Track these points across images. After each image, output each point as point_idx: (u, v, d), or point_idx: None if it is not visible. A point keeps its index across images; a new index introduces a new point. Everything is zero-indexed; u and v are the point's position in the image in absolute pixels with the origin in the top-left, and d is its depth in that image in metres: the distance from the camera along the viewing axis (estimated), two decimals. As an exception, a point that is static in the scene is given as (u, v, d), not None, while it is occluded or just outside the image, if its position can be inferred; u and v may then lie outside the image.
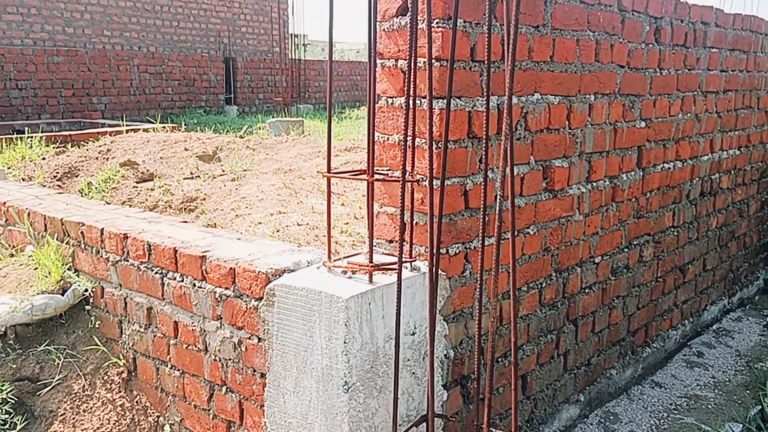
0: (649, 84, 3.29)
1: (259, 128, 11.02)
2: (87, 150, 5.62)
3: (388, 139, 2.34)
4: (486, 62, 2.00)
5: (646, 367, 3.72)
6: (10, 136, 7.33)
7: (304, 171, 4.98)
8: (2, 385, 2.60)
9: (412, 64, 2.04)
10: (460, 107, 2.27)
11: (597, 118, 2.96)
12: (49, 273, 2.90)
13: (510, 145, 1.97)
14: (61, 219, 3.00)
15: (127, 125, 8.91)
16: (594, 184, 3.02)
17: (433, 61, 2.15)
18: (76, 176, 5.32)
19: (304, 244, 3.32)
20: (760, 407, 3.45)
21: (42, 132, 9.80)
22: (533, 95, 2.57)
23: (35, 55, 11.02)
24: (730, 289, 4.73)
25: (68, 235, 2.99)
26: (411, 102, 2.14)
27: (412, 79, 2.08)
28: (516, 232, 2.59)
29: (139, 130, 7.29)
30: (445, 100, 2.16)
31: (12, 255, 3.30)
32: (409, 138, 2.21)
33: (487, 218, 2.22)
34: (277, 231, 3.49)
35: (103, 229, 2.78)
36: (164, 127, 7.53)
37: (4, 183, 3.94)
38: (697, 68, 3.71)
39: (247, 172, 4.95)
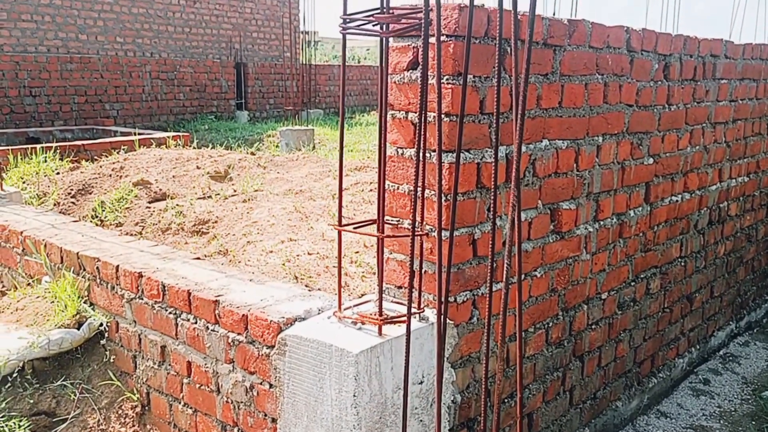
0: (658, 120, 3.32)
1: (269, 136, 11.10)
2: (101, 167, 5.69)
3: (398, 188, 2.38)
4: (495, 115, 2.03)
5: (652, 396, 3.75)
6: (25, 147, 7.42)
7: (315, 192, 5.02)
8: (20, 421, 2.66)
9: (423, 120, 2.08)
10: (469, 160, 2.31)
11: (605, 159, 2.99)
12: (66, 307, 2.96)
13: (517, 193, 2.02)
14: (77, 253, 3.07)
15: (139, 133, 9.00)
16: (601, 222, 3.05)
17: (443, 116, 2.19)
18: (90, 193, 5.40)
19: (314, 276, 3.37)
20: (765, 440, 3.47)
21: (55, 139, 9.92)
22: (541, 142, 2.61)
23: (49, 62, 11.13)
24: (737, 314, 4.75)
25: (84, 269, 3.06)
26: (421, 156, 2.18)
27: (422, 134, 2.12)
28: (523, 276, 2.63)
29: (151, 144, 7.37)
30: (454, 154, 2.21)
31: (29, 284, 3.37)
32: (419, 189, 2.26)
33: (495, 264, 2.26)
34: (288, 261, 3.54)
35: (118, 266, 2.84)
36: (176, 142, 7.59)
37: (21, 210, 4.01)
38: (706, 100, 3.73)
39: (258, 193, 5.00)
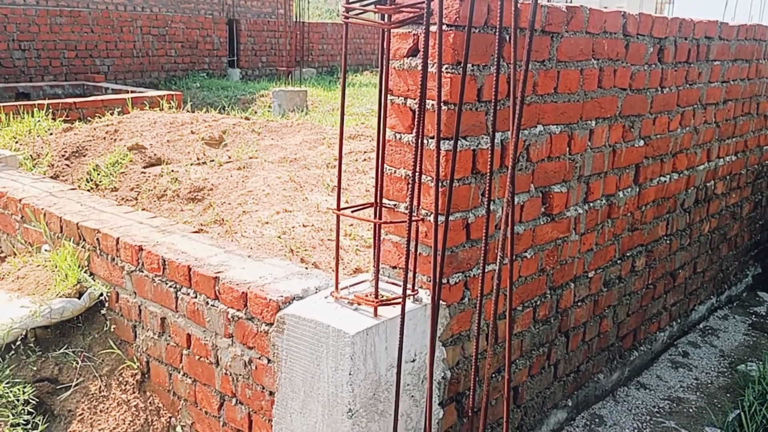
0: (650, 103, 3.38)
1: (262, 96, 11.04)
2: (95, 129, 5.69)
3: (395, 172, 2.44)
4: (493, 104, 2.09)
5: (632, 369, 3.89)
6: (16, 104, 7.36)
7: (309, 160, 5.07)
8: (24, 387, 2.76)
9: (422, 108, 2.13)
10: (466, 147, 2.37)
11: (597, 142, 3.05)
12: (66, 276, 3.03)
13: (512, 178, 2.08)
14: (77, 223, 3.12)
15: (131, 91, 8.93)
16: (591, 204, 3.13)
17: (442, 105, 2.23)
18: (84, 156, 5.41)
19: (310, 249, 3.45)
20: (738, 412, 3.63)
21: (46, 95, 9.83)
22: (536, 127, 2.66)
23: (38, 15, 10.93)
24: (718, 288, 4.89)
25: (84, 240, 3.12)
26: (420, 142, 2.24)
27: (421, 121, 2.17)
28: (514, 257, 2.72)
29: (144, 104, 7.34)
30: (452, 141, 2.26)
31: (29, 252, 3.43)
32: (417, 175, 2.32)
33: (487, 247, 2.34)
34: (284, 233, 3.61)
35: (118, 239, 2.90)
36: (169, 103, 7.55)
37: (18, 176, 4.04)
38: (699, 82, 3.78)
39: (253, 161, 5.04)
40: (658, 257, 3.89)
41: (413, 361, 2.35)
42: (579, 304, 3.26)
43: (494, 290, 2.09)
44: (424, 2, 2.09)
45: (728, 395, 3.85)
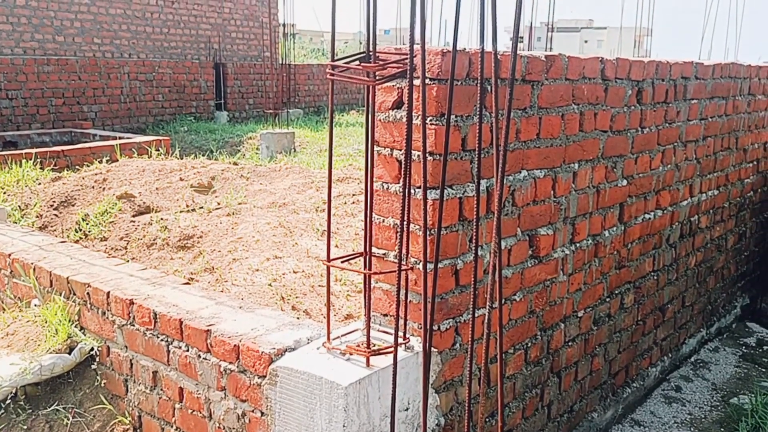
0: (631, 144, 3.45)
1: (250, 138, 11.12)
2: (83, 178, 5.71)
3: (383, 221, 2.48)
4: (477, 152, 2.13)
5: (626, 406, 3.90)
6: (4, 153, 7.38)
7: (298, 204, 5.10)
8: (14, 446, 2.73)
9: (408, 159, 2.18)
10: (452, 195, 2.41)
11: (581, 184, 3.11)
12: (56, 332, 3.02)
13: (498, 223, 2.12)
14: (67, 277, 3.12)
15: (119, 137, 8.98)
16: (577, 244, 3.18)
17: (428, 155, 2.28)
18: (73, 205, 5.42)
19: (301, 296, 3.46)
20: (733, 447, 3.64)
21: (33, 143, 9.85)
22: (520, 173, 2.72)
23: (25, 64, 11.03)
24: (708, 321, 4.93)
25: (74, 294, 3.12)
26: (407, 192, 2.28)
27: (408, 172, 2.22)
28: (504, 301, 2.75)
29: (132, 150, 7.38)
30: (438, 191, 2.31)
31: (19, 308, 3.41)
32: (405, 224, 2.35)
33: (476, 292, 2.37)
34: (275, 280, 3.62)
35: (109, 292, 2.91)
36: (158, 150, 7.60)
37: (6, 229, 4.04)
38: (678, 121, 3.87)
39: (242, 206, 5.07)
40: (646, 293, 3.93)
41: (407, 409, 2.35)
42: (570, 343, 3.28)
43: (485, 335, 2.12)
44: (407, 58, 2.16)
45: (722, 429, 3.85)
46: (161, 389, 2.79)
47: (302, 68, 16.15)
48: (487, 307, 2.08)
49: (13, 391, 2.87)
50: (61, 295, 3.17)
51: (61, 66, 11.46)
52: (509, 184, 2.66)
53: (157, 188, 5.48)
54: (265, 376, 2.34)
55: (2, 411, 2.84)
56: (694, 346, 4.76)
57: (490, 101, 2.48)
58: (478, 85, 2.02)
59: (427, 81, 2.25)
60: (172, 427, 2.78)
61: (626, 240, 3.60)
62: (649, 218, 3.79)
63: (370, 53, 2.17)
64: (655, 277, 4.01)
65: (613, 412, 3.76)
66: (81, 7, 12.34)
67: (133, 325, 2.83)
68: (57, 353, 2.96)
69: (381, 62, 2.14)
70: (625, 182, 3.46)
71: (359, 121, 13.54)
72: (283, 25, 13.90)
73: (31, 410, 2.89)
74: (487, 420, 2.81)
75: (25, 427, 2.83)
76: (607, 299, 3.54)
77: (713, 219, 4.65)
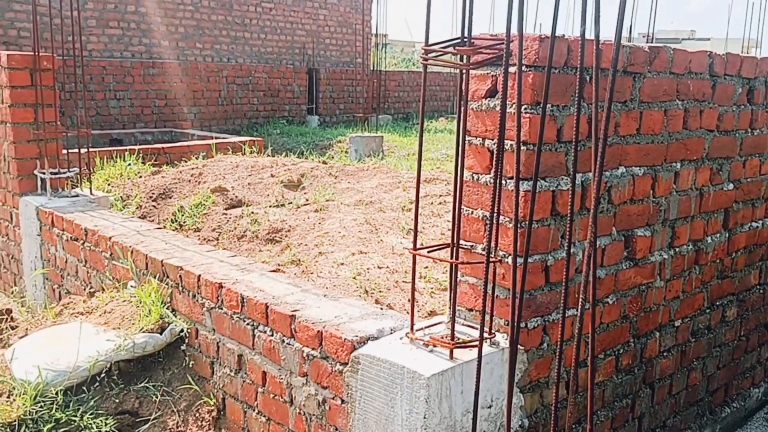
0: (740, 145, 3.24)
1: (339, 141, 11.28)
2: (180, 172, 5.94)
3: (472, 212, 2.42)
4: (574, 144, 2.05)
5: (724, 427, 3.65)
6: (110, 149, 7.78)
7: (385, 203, 5.10)
8: (107, 419, 2.83)
9: (501, 148, 2.11)
10: (545, 188, 2.33)
11: (683, 185, 2.94)
12: (150, 312, 3.13)
13: (594, 219, 2.02)
14: (162, 260, 3.23)
15: (215, 137, 9.32)
16: (677, 249, 3.00)
17: (521, 145, 2.21)
18: (170, 198, 5.64)
19: (384, 291, 3.44)
20: None
21: (136, 141, 10.37)
22: (618, 169, 2.60)
23: (133, 67, 11.65)
24: (819, 344, 4.56)
25: (167, 276, 3.22)
26: (498, 183, 2.22)
27: (500, 162, 2.15)
28: (596, 302, 2.62)
29: (227, 149, 7.63)
30: (530, 182, 2.23)
31: (116, 288, 3.57)
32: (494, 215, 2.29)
33: (568, 291, 2.27)
34: (359, 274, 3.62)
35: (200, 276, 2.99)
36: (251, 148, 7.83)
37: (109, 215, 4.24)
38: (792, 124, 3.61)
39: (329, 203, 5.12)
40: (750, 307, 3.67)
41: (490, 407, 2.28)
42: (665, 354, 3.10)
43: (576, 336, 2.02)
44: (503, 43, 2.10)
45: (834, 460, 3.54)
46: (245, 372, 2.84)
47: (393, 75, 16.27)
48: (579, 307, 1.99)
49: (108, 366, 2.99)
50: (155, 277, 3.29)
51: (165, 69, 12.04)
52: (606, 180, 2.55)
53: (248, 183, 5.62)
54: (346, 363, 2.33)
55: (97, 384, 2.97)
56: (803, 370, 4.41)
57: (588, 92, 2.38)
58: (578, 74, 1.94)
59: (523, 68, 2.19)
60: (254, 410, 2.82)
61: (730, 249, 3.38)
62: (757, 227, 3.54)
63: (465, 38, 2.13)
64: (761, 291, 3.74)
65: (709, 432, 3.53)
66: (185, 13, 12.93)
67: (221, 309, 2.90)
68: (149, 333, 3.07)
69: (475, 46, 2.09)
70: (731, 186, 3.25)
71: (448, 128, 13.49)
72: (376, 35, 14.07)
73: (123, 385, 3.01)
74: (574, 427, 2.69)
75: (117, 400, 2.95)
76: (707, 310, 3.33)
77: (829, 233, 4.30)
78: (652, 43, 11.83)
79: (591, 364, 2.04)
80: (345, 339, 2.34)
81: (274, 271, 3.15)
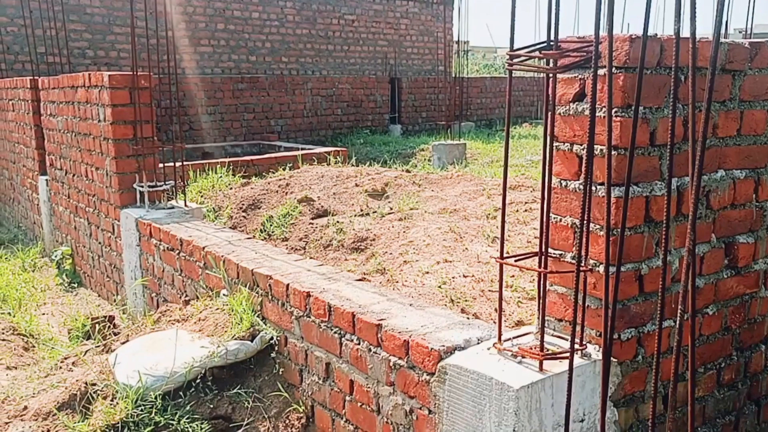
0: None
1: (422, 150, 11.30)
2: (268, 183, 6.11)
3: (560, 220, 2.36)
4: (669, 148, 1.96)
5: (841, 448, 3.38)
6: (202, 162, 8.10)
7: (469, 211, 5.06)
8: (202, 423, 2.93)
9: (590, 153, 2.05)
10: (638, 194, 2.24)
11: (789, 188, 2.76)
12: (241, 320, 3.22)
13: (692, 225, 1.93)
14: (252, 270, 3.33)
15: (301, 148, 9.55)
16: (784, 257, 2.82)
17: (612, 149, 2.14)
18: (259, 208, 5.81)
19: (470, 300, 3.41)
20: None
21: (227, 153, 10.76)
22: (717, 172, 2.47)
23: (223, 82, 12.12)
24: None
25: (257, 285, 3.31)
26: (588, 189, 2.15)
27: (590, 167, 2.09)
28: (695, 313, 2.50)
29: (313, 159, 7.79)
30: (621, 188, 2.15)
31: (209, 296, 3.70)
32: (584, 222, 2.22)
33: (664, 300, 2.17)
34: (444, 283, 3.60)
35: (288, 285, 3.05)
36: (335, 158, 7.96)
37: (202, 225, 4.41)
38: None
39: (413, 211, 5.13)
40: None
41: (582, 421, 2.21)
42: (772, 368, 2.91)
43: (675, 348, 1.93)
44: (591, 45, 2.04)
45: None
46: (333, 381, 2.87)
47: (475, 81, 16.17)
48: (678, 318, 1.90)
49: (203, 372, 3.09)
50: (246, 286, 3.39)
51: (253, 83, 12.46)
52: (704, 184, 2.43)
53: (334, 193, 5.71)
54: (433, 374, 2.31)
55: (192, 390, 3.08)
56: None
57: (684, 92, 2.28)
58: (672, 74, 1.86)
59: (612, 70, 2.12)
60: (342, 418, 2.84)
61: None
62: None
63: (551, 42, 2.08)
64: None
65: (824, 453, 3.28)
66: (271, 29, 13.34)
67: (309, 317, 2.95)
68: (241, 340, 3.16)
69: (562, 50, 2.04)
70: None
71: (532, 134, 13.27)
72: (457, 42, 14.04)
73: (217, 391, 3.11)
74: (672, 443, 2.56)
75: (211, 405, 3.04)
76: (820, 322, 3.10)
77: None
78: (750, 38, 11.22)
79: (691, 378, 1.94)
80: (432, 349, 2.32)
81: (360, 280, 3.18)
